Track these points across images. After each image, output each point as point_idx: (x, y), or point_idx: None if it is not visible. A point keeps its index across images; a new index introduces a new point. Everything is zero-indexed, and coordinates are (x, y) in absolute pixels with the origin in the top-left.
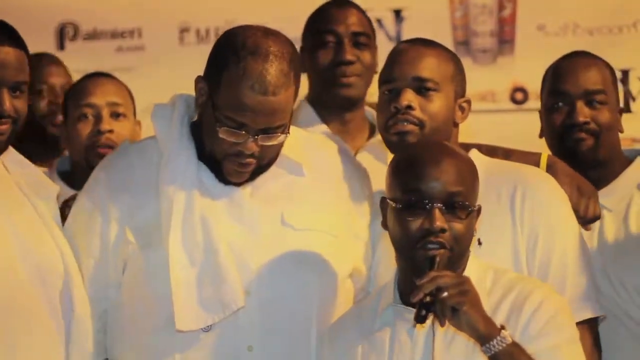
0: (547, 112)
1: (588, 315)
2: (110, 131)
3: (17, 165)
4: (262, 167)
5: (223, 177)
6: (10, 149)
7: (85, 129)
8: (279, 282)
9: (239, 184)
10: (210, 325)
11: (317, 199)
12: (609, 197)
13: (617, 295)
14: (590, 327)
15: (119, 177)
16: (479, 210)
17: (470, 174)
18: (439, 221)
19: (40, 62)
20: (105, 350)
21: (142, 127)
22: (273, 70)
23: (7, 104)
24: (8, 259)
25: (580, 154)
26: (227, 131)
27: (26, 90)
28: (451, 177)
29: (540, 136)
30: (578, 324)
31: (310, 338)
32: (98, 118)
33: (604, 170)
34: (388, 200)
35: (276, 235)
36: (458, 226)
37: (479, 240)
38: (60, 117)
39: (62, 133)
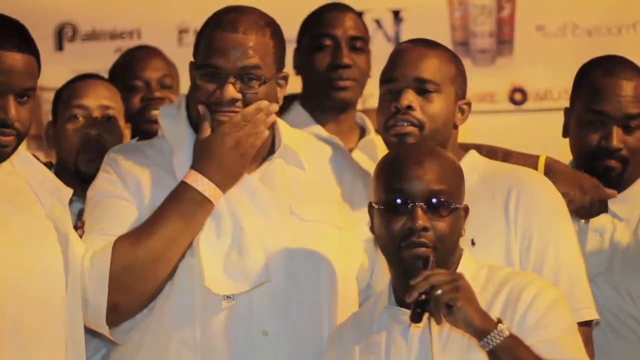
0: (579, 122)
1: (580, 318)
2: (100, 134)
3: (28, 165)
4: None
5: None
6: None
7: (74, 130)
8: (292, 270)
9: None
10: (233, 296)
11: (321, 194)
12: (623, 204)
13: (622, 300)
14: (582, 331)
15: (132, 159)
16: (466, 210)
17: (453, 172)
18: (421, 220)
19: (134, 57)
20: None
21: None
22: (245, 16)
23: (13, 111)
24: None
25: (608, 180)
26: (204, 77)
27: (33, 95)
28: (433, 176)
29: (564, 135)
30: None
31: (322, 328)
32: (88, 120)
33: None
34: (373, 204)
35: (287, 224)
36: (441, 225)
37: (472, 240)
38: (154, 112)
39: (49, 133)
